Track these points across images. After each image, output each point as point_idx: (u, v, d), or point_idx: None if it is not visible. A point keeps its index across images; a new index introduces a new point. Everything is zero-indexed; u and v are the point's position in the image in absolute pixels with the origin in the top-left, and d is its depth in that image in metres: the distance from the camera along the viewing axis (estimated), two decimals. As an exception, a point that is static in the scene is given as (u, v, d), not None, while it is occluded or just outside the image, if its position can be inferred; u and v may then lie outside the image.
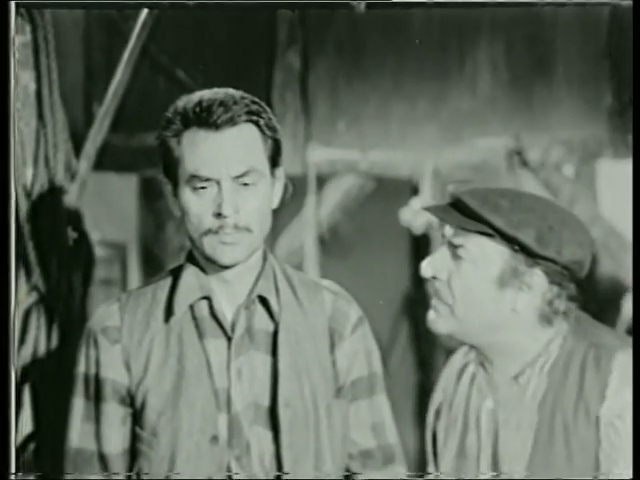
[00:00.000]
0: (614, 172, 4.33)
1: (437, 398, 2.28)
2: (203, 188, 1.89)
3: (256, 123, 1.92)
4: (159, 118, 1.97)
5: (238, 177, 1.89)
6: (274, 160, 1.96)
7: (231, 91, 1.94)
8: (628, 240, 3.37)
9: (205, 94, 1.93)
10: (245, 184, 1.90)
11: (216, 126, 1.89)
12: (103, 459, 1.98)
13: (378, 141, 4.46)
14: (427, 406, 2.33)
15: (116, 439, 1.97)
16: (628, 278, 3.85)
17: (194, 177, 1.90)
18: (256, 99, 1.95)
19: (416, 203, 4.38)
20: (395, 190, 4.49)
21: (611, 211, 4.21)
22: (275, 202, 1.99)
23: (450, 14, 4.32)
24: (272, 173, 1.95)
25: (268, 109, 1.95)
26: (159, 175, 1.97)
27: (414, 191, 4.44)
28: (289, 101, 4.26)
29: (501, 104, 4.42)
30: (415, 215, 4.36)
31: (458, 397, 2.21)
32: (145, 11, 2.57)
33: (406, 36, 4.41)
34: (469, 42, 4.42)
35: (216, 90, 1.94)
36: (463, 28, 4.38)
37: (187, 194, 1.91)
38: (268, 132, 1.94)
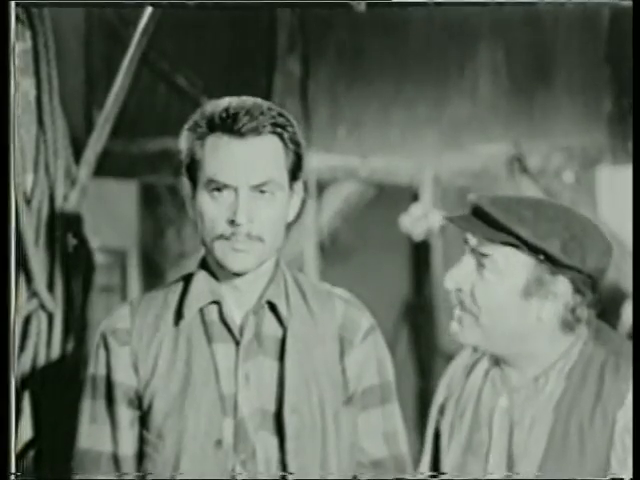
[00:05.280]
0: (614, 178, 4.33)
1: (441, 394, 2.25)
2: (219, 190, 1.89)
3: (280, 135, 1.92)
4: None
5: (256, 186, 1.89)
6: (294, 174, 1.95)
7: (259, 100, 1.94)
8: (628, 246, 3.37)
9: (233, 100, 1.92)
10: (262, 192, 1.89)
11: (240, 134, 1.89)
12: (110, 461, 1.97)
13: (378, 147, 4.46)
14: (428, 412, 2.31)
15: (124, 441, 1.97)
16: (628, 284, 3.85)
17: (212, 181, 1.89)
18: (284, 111, 1.95)
19: (416, 210, 4.38)
20: (395, 196, 4.49)
21: (611, 217, 4.22)
22: (291, 215, 1.98)
23: (450, 20, 4.32)
24: (291, 186, 1.95)
25: (294, 122, 1.94)
26: (181, 176, 1.96)
27: (414, 197, 4.44)
28: (289, 107, 4.25)
29: (501, 110, 4.42)
30: (415, 222, 4.36)
31: (467, 392, 2.18)
32: (145, 17, 2.57)
33: (406, 43, 4.42)
34: (469, 48, 4.43)
35: (245, 98, 1.94)
36: (463, 34, 4.38)
37: (204, 198, 1.91)
38: (291, 145, 1.93)
